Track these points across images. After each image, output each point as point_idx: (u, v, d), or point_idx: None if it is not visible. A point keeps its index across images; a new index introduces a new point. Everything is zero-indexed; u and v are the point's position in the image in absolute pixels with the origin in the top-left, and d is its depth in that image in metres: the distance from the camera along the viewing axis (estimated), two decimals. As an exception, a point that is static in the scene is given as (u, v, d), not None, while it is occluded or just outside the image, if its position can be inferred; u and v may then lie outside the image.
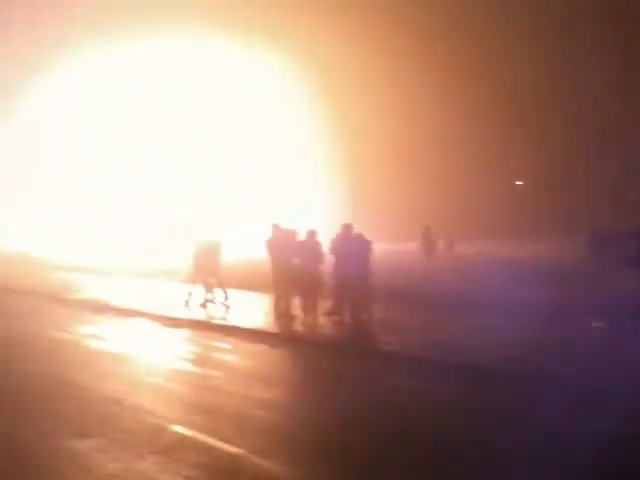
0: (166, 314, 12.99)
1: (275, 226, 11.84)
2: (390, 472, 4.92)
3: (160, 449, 5.38)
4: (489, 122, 44.26)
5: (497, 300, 10.93)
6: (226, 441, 5.49)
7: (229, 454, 5.24)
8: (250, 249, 23.25)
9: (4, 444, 5.64)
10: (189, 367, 8.67)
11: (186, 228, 24.63)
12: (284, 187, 45.47)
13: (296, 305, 11.34)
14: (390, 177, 45.33)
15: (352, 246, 10.86)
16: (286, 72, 44.88)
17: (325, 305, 11.27)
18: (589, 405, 6.19)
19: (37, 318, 13.83)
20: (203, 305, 13.27)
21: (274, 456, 5.21)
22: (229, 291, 13.40)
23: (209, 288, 13.44)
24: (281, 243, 11.52)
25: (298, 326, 10.93)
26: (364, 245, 11.04)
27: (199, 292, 13.38)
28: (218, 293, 13.47)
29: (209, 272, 13.37)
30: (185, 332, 11.44)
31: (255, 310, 12.96)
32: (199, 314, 12.72)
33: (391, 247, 30.78)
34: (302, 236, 11.40)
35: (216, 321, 11.78)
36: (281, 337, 10.40)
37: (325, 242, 11.23)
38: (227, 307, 13.03)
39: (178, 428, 5.87)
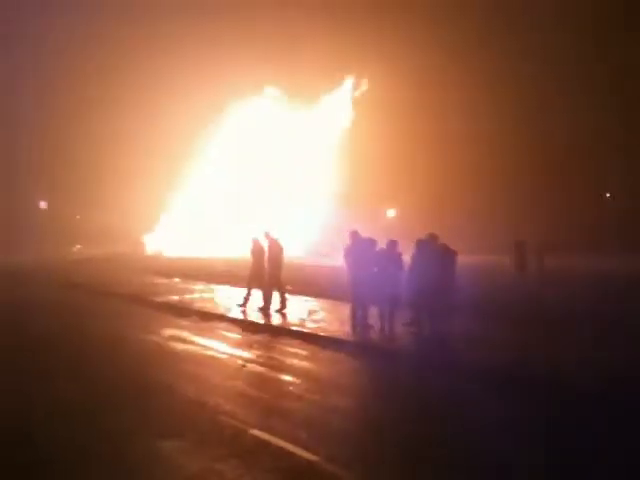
0: (247, 319, 13.28)
1: (353, 233, 11.80)
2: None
3: (239, 452, 5.47)
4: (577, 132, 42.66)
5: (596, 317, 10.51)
6: (303, 447, 5.52)
7: (306, 461, 5.26)
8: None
9: (95, 441, 5.92)
10: (267, 372, 8.78)
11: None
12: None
13: (374, 314, 11.26)
14: (473, 188, 44.50)
15: (433, 257, 10.66)
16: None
17: (403, 315, 11.13)
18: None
19: (126, 320, 14.49)
20: (263, 310, 13.78)
21: (351, 465, 5.19)
22: (308, 299, 13.53)
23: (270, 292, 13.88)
24: (359, 251, 11.48)
25: (375, 335, 10.84)
26: (448, 256, 10.79)
27: (261, 296, 13.92)
28: (276, 299, 13.89)
29: (271, 276, 13.76)
30: (264, 337, 11.61)
31: (332, 318, 12.98)
32: (278, 320, 12.90)
33: (481, 259, 30.03)
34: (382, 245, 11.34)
35: (294, 328, 11.88)
36: (357, 346, 10.35)
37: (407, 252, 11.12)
38: (284, 315, 13.39)
39: (256, 432, 5.96)
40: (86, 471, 5.24)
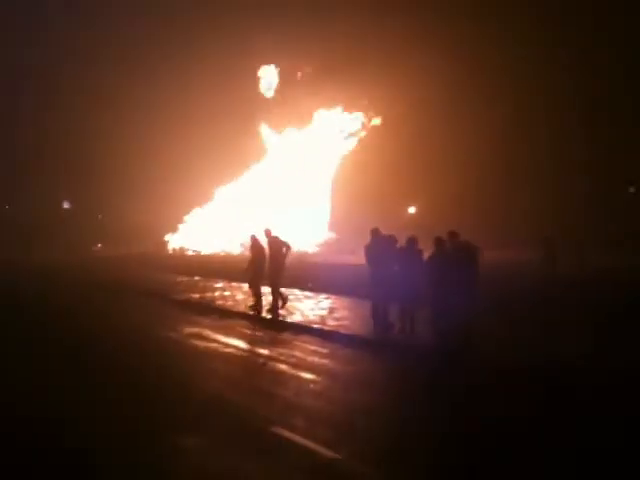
0: (267, 316, 13.29)
1: (374, 231, 11.72)
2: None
3: (261, 450, 5.45)
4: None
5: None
6: (325, 445, 5.48)
7: (328, 459, 5.22)
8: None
9: (117, 435, 5.95)
10: (287, 369, 8.75)
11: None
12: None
13: (394, 312, 11.18)
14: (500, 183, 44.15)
15: (453, 253, 10.52)
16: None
17: (425, 314, 11.04)
18: None
19: (147, 317, 14.61)
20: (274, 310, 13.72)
21: (373, 463, 5.14)
22: (329, 297, 13.48)
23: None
24: (379, 249, 11.40)
25: (396, 333, 10.76)
26: (469, 252, 10.63)
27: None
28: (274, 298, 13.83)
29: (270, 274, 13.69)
30: (285, 335, 11.59)
31: (353, 316, 12.93)
32: (297, 318, 12.88)
33: (505, 256, 29.44)
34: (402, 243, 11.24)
35: (315, 326, 11.85)
36: (378, 344, 10.29)
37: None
38: (277, 315, 13.36)
39: (278, 430, 5.93)
40: (108, 465, 5.25)
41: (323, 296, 16.51)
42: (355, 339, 10.59)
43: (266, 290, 14.01)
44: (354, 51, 46.67)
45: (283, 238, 13.84)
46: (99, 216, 59.82)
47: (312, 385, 7.86)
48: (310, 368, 8.80)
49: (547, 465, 5.11)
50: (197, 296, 17.57)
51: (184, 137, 50.77)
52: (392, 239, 11.40)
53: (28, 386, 7.94)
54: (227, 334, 11.86)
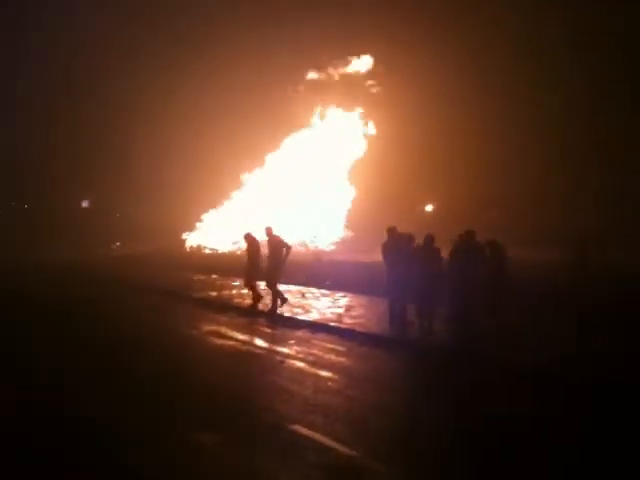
0: (284, 315, 13.35)
1: (391, 229, 11.73)
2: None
3: (279, 447, 5.51)
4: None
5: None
6: (343, 443, 5.52)
7: (346, 456, 5.27)
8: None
9: (134, 430, 6.04)
10: (305, 367, 8.80)
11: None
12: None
13: (412, 310, 11.18)
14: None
15: (473, 252, 10.52)
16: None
17: (443, 312, 11.03)
18: None
19: (164, 315, 14.74)
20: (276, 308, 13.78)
21: (390, 461, 5.18)
22: (346, 295, 13.48)
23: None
24: (396, 247, 11.40)
25: (414, 332, 10.77)
26: (495, 251, 10.61)
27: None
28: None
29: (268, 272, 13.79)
30: (302, 333, 11.63)
31: (371, 314, 12.94)
32: (314, 316, 12.93)
33: (534, 256, 28.86)
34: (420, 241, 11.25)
35: (332, 324, 11.88)
36: (395, 342, 10.30)
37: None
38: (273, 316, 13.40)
39: (296, 427, 5.98)
40: (126, 459, 5.33)
41: (340, 294, 16.55)
42: (372, 337, 10.61)
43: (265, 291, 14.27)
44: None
45: (284, 239, 13.92)
46: (117, 215, 60.44)
47: (329, 383, 7.90)
48: (327, 366, 8.84)
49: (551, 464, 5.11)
50: (214, 294, 17.69)
51: (210, 137, 50.78)
52: (409, 238, 11.40)
53: (59, 383, 8.07)
54: (245, 332, 11.94)
